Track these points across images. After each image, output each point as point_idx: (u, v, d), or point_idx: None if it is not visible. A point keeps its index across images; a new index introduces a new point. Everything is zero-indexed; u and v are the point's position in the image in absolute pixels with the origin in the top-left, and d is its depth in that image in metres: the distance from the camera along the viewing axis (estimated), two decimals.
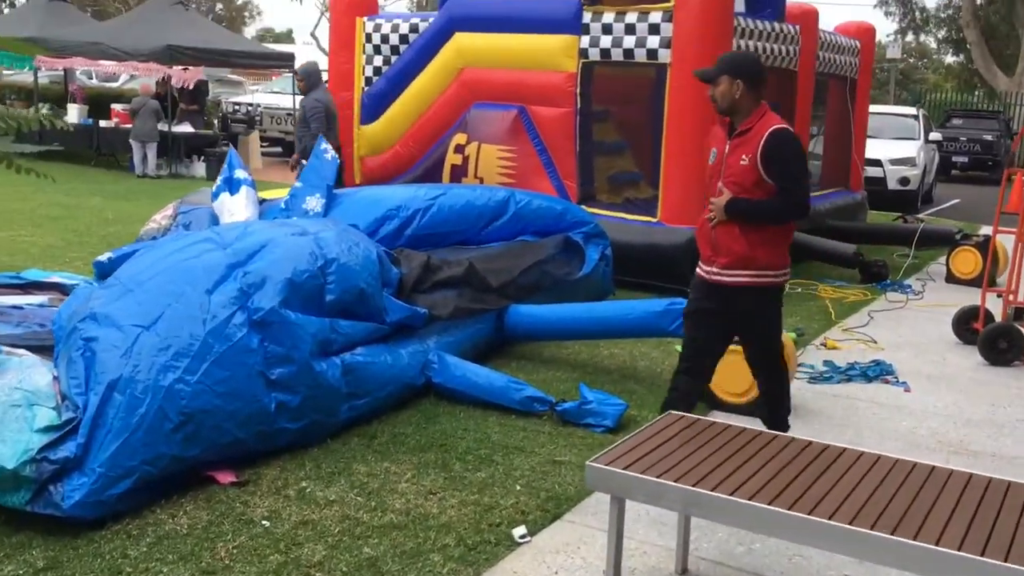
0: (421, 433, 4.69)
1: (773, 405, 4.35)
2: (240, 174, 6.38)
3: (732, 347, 5.10)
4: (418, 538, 3.63)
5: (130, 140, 15.12)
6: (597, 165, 8.77)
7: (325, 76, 9.61)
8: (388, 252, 5.74)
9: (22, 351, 4.12)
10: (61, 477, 3.54)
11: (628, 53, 8.12)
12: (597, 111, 8.72)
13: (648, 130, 8.82)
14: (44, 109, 17.15)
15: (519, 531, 3.70)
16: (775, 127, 3.98)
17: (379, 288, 5.03)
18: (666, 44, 7.91)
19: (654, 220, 8.14)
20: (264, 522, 3.70)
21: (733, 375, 5.12)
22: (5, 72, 22.29)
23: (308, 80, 8.72)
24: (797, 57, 9.27)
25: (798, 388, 5.67)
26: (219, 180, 6.46)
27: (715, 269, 4.12)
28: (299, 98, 9.33)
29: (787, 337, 5.44)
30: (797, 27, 9.25)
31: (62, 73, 19.60)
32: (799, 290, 8.43)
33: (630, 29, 8.07)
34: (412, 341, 5.17)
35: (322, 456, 4.34)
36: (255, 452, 4.21)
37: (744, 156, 4.00)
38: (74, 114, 16.60)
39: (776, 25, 8.84)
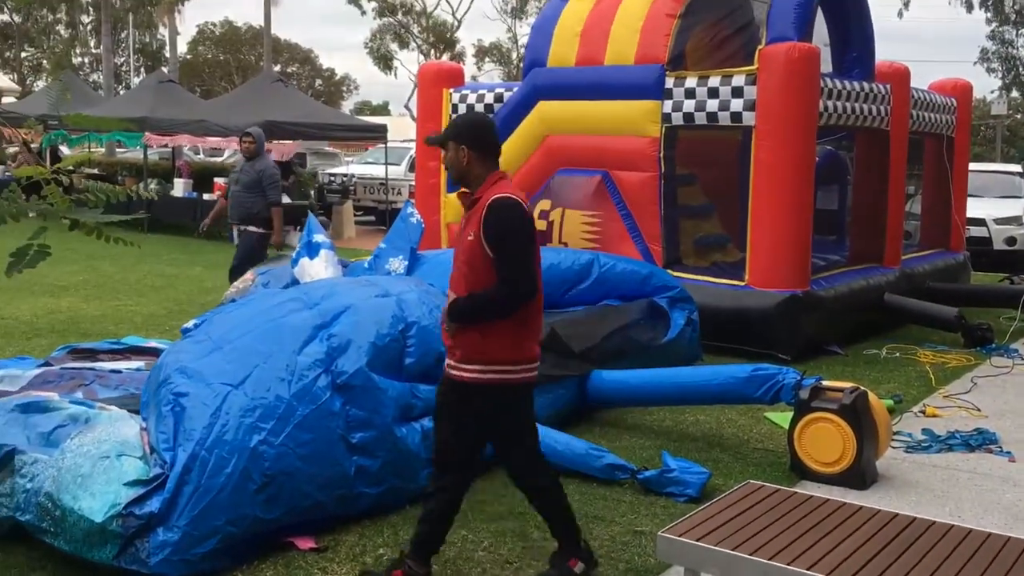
0: (499, 501, 4.64)
1: (553, 518, 3.78)
2: (319, 238, 6.53)
3: (822, 414, 4.96)
4: None
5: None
6: (682, 228, 8.72)
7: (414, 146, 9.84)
8: None
9: (111, 407, 4.27)
10: (146, 533, 3.61)
11: (712, 116, 8.10)
12: (681, 175, 8.69)
13: (734, 192, 8.76)
14: (153, 184, 18.03)
15: None
16: (495, 197, 3.46)
17: None
18: (750, 107, 7.87)
19: (742, 283, 8.01)
20: None
21: (823, 443, 4.95)
22: (119, 150, 23.57)
23: (258, 144, 8.54)
24: (888, 116, 9.10)
25: (894, 458, 5.44)
26: (298, 246, 6.63)
27: (452, 362, 3.61)
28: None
29: (882, 404, 5.24)
30: (888, 86, 9.09)
31: (170, 150, 20.62)
32: (897, 355, 8.13)
33: (713, 93, 8.07)
34: None
35: (400, 523, 4.33)
36: (335, 516, 4.23)
37: (471, 232, 3.51)
38: (180, 188, 17.40)
39: (865, 85, 8.72)
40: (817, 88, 7.85)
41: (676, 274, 7.74)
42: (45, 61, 53.67)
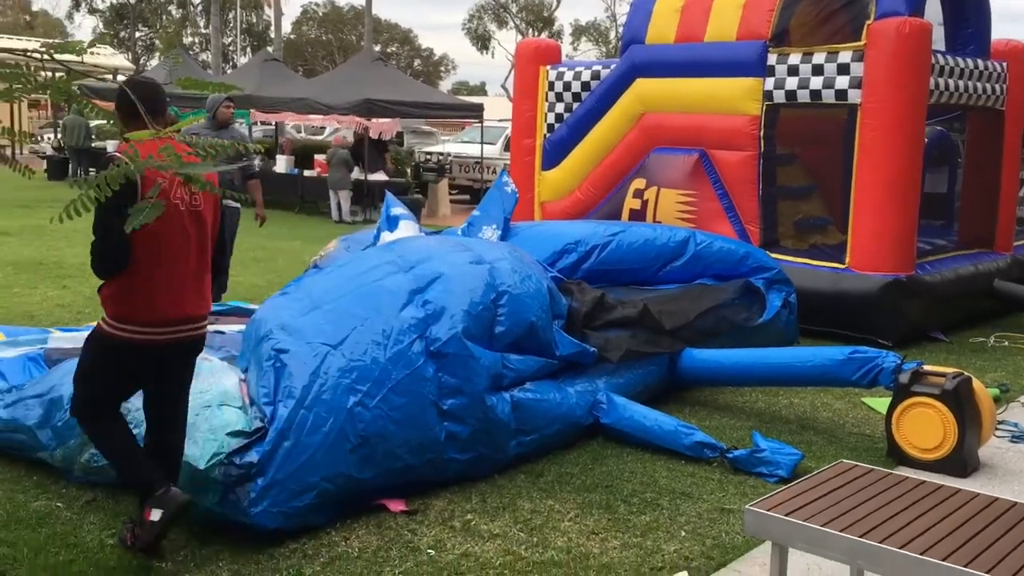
0: (587, 473, 4.67)
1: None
2: (397, 211, 6.57)
3: (922, 399, 4.82)
4: None
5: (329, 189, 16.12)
6: (781, 210, 8.54)
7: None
8: (560, 278, 5.76)
9: (212, 358, 4.44)
10: (246, 483, 3.74)
11: (815, 94, 7.89)
12: (782, 154, 8.50)
13: (837, 173, 8.52)
14: (256, 160, 18.52)
15: None
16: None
17: (549, 321, 5.08)
18: (856, 84, 7.63)
19: (842, 266, 7.81)
20: (429, 551, 3.78)
21: (922, 429, 4.81)
22: None
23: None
24: (1004, 96, 8.71)
25: (997, 447, 5.25)
26: (379, 222, 6.70)
27: None
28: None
29: (987, 392, 5.06)
30: (1004, 64, 8.70)
31: (274, 127, 21.18)
32: (1005, 343, 7.82)
33: (818, 70, 7.85)
34: (581, 380, 5.17)
35: (488, 491, 4.40)
36: (425, 479, 4.32)
37: None
38: (282, 164, 17.86)
39: (980, 62, 8.36)
40: (928, 65, 7.56)
41: (773, 256, 7.58)
42: (157, 41, 55.63)
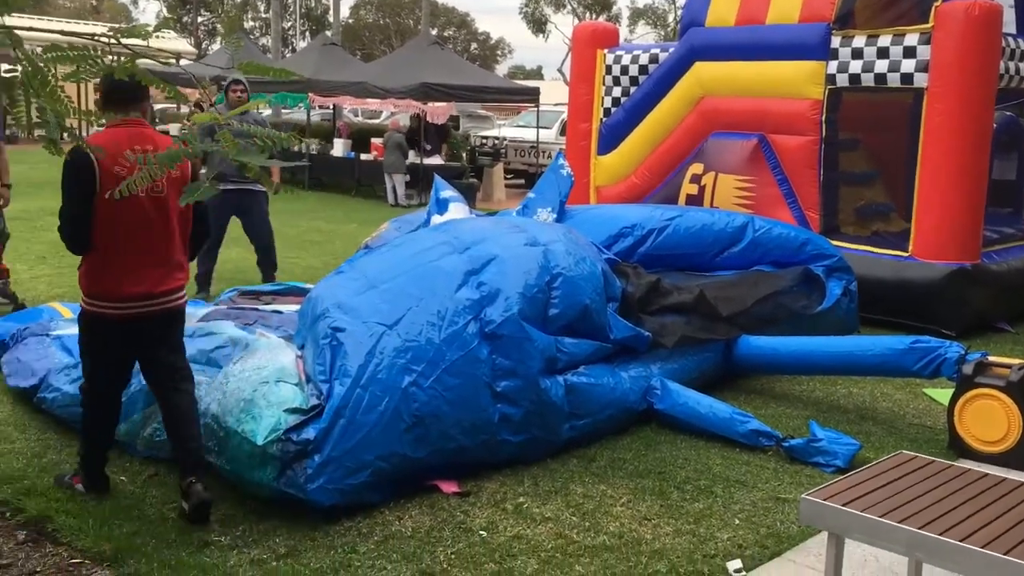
0: (640, 459, 4.65)
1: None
2: (446, 194, 6.58)
3: (986, 390, 4.70)
4: (629, 562, 3.60)
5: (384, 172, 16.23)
6: (843, 196, 8.38)
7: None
8: (615, 260, 5.71)
9: (270, 334, 4.52)
10: (303, 459, 3.80)
11: (880, 78, 7.71)
12: (844, 139, 8.33)
13: (901, 159, 8.33)
14: (313, 145, 18.74)
15: (734, 564, 3.58)
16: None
17: (603, 305, 5.05)
18: (923, 68, 7.44)
19: (905, 254, 7.64)
20: (482, 532, 3.81)
21: (986, 421, 4.70)
22: (283, 111, 24.58)
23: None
24: None
25: None
26: (428, 205, 6.72)
27: None
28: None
29: None
30: None
31: (331, 111, 21.36)
32: None
33: (883, 53, 7.67)
34: (635, 365, 5.15)
35: (541, 474, 4.41)
36: (478, 460, 4.34)
37: None
38: (339, 148, 18.02)
39: None
40: (998, 48, 7.34)
41: (834, 243, 7.44)
42: (219, 25, 56.45)
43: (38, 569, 3.44)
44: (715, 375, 5.76)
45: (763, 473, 4.53)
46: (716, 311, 5.71)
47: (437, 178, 6.97)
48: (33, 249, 9.74)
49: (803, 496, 2.78)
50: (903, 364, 5.12)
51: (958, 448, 4.84)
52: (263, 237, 8.06)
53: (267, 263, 8.19)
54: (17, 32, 2.67)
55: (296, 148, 19.11)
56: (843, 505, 2.67)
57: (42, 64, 2.73)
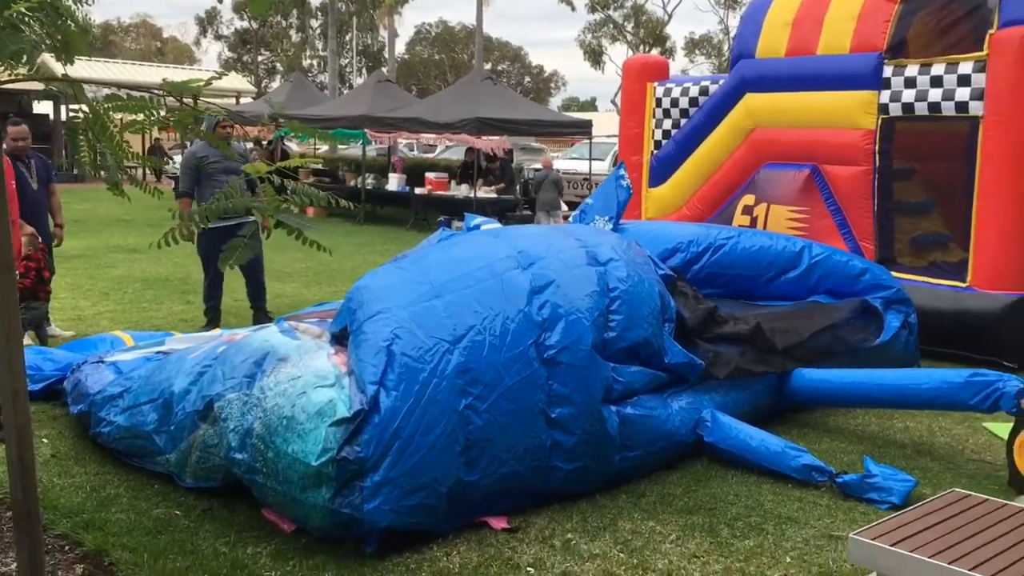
0: (690, 495, 4.61)
1: None
2: (476, 222, 6.50)
3: None
4: None
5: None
6: (898, 226, 8.25)
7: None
8: (671, 276, 5.64)
9: (306, 336, 4.55)
10: (357, 479, 3.80)
11: (934, 107, 7.63)
12: (898, 169, 8.23)
13: (958, 188, 8.19)
14: (369, 179, 19.05)
15: None
16: None
17: (660, 328, 5.01)
18: (978, 96, 7.34)
19: (963, 285, 7.50)
20: (529, 568, 3.80)
21: None
22: (340, 147, 25.06)
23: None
24: None
25: None
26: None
27: None
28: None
29: None
30: None
31: (387, 146, 21.72)
32: None
33: (936, 81, 7.59)
34: (686, 395, 5.10)
35: (589, 510, 4.39)
36: (530, 486, 4.32)
37: None
38: (394, 183, 18.30)
39: None
40: None
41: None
42: (278, 64, 57.83)
43: None
44: (768, 409, 5.68)
45: (816, 510, 4.45)
46: (773, 344, 5.63)
47: (467, 215, 6.98)
48: (97, 286, 10.01)
49: (851, 535, 2.74)
50: (960, 398, 5.01)
51: (1018, 485, 4.70)
52: (256, 272, 8.08)
53: (257, 294, 8.15)
54: (79, 81, 2.80)
55: (352, 183, 19.46)
56: (892, 545, 2.63)
57: (102, 111, 2.85)
